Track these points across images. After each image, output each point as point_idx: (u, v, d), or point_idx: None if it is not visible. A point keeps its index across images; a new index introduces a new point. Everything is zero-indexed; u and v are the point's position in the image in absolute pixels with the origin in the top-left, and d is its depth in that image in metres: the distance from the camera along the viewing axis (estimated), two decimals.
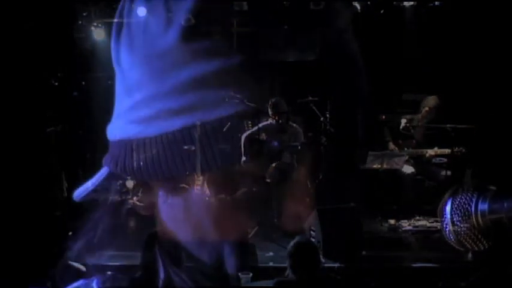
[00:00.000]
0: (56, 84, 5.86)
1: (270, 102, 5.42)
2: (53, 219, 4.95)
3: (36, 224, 4.90)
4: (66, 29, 5.75)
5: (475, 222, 0.82)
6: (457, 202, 0.82)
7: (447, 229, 0.81)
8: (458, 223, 0.81)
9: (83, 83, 6.38)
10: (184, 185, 4.95)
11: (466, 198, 0.82)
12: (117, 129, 0.99)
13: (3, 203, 4.98)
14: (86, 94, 6.27)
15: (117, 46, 1.02)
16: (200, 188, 5.01)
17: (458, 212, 0.82)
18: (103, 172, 1.10)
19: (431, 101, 6.04)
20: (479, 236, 0.84)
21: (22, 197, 5.02)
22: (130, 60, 0.97)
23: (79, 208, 4.68)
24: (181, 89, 0.88)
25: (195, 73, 0.85)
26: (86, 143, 6.06)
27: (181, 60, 0.89)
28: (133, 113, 0.92)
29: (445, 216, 0.80)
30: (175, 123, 0.91)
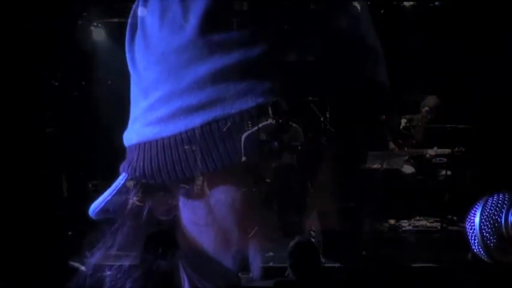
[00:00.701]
0: (56, 84, 5.87)
1: (269, 102, 5.44)
2: (53, 220, 4.95)
3: (36, 224, 4.90)
4: (66, 29, 5.76)
5: (505, 234, 0.81)
6: (486, 213, 0.81)
7: (476, 241, 0.81)
8: (487, 235, 0.81)
9: (83, 83, 6.39)
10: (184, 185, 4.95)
11: (495, 209, 0.81)
12: (134, 133, 0.98)
13: (2, 203, 4.98)
14: (86, 94, 6.29)
15: (131, 47, 1.01)
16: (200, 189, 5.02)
17: (487, 223, 0.82)
18: (121, 180, 1.07)
19: (431, 100, 6.05)
20: (510, 249, 0.83)
21: (22, 197, 5.02)
22: (146, 60, 0.96)
23: (79, 208, 4.68)
24: (200, 84, 0.88)
25: (214, 66, 0.84)
26: (86, 143, 6.08)
27: (199, 54, 0.88)
28: (150, 114, 0.91)
29: (473, 228, 0.80)
30: (194, 120, 0.90)
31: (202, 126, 0.84)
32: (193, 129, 0.84)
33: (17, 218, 4.98)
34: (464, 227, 0.91)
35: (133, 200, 0.91)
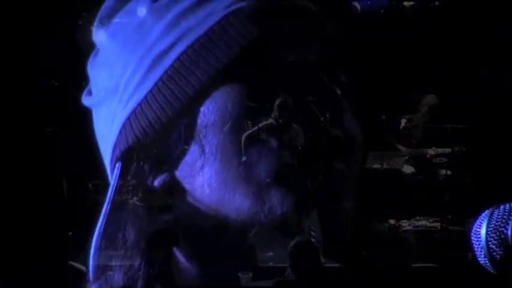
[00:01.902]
0: (56, 84, 5.87)
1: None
2: (53, 220, 4.95)
3: (36, 224, 4.90)
4: (66, 29, 5.75)
5: None
6: (493, 225, 0.80)
7: (482, 253, 0.80)
8: (493, 247, 0.80)
9: (83, 83, 6.39)
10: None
11: (502, 221, 0.81)
12: (117, 121, 0.94)
13: (1, 203, 4.98)
14: None
15: (92, 71, 0.97)
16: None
17: (493, 235, 0.81)
18: (116, 175, 1.03)
19: (430, 99, 6.06)
20: None
21: (21, 196, 5.02)
22: (105, 68, 0.94)
23: (79, 208, 4.68)
24: (166, 32, 0.86)
25: (174, 14, 0.84)
26: (86, 143, 6.06)
27: (157, 15, 0.86)
28: (125, 94, 0.87)
29: (479, 239, 0.79)
30: (170, 58, 0.88)
31: (179, 58, 0.84)
32: (172, 66, 0.84)
33: (17, 218, 4.98)
34: (470, 236, 0.91)
35: (133, 200, 0.90)
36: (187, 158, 0.89)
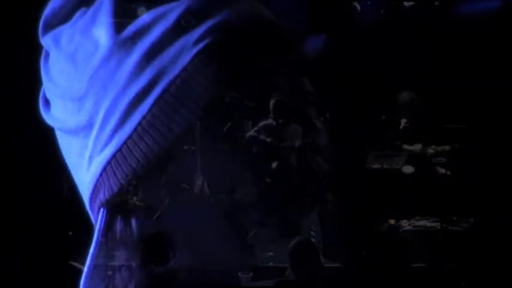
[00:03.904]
0: None
1: (270, 102, 5.46)
2: (53, 219, 4.95)
3: (36, 224, 4.89)
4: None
5: None
6: None
7: None
8: None
9: None
10: (184, 185, 4.95)
11: None
12: (95, 168, 0.93)
13: (2, 202, 4.98)
14: None
15: (47, 112, 0.95)
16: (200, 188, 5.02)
17: None
18: (101, 220, 1.02)
19: (402, 97, 6.00)
20: None
21: (22, 196, 5.02)
22: (73, 102, 0.92)
23: (79, 208, 4.68)
24: (137, 72, 0.85)
25: (143, 50, 0.83)
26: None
27: (124, 50, 0.86)
28: (102, 135, 0.87)
29: None
30: (147, 104, 0.88)
31: (157, 103, 0.84)
32: (150, 112, 0.84)
33: (17, 218, 4.97)
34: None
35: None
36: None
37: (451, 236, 5.44)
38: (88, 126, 0.78)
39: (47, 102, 0.98)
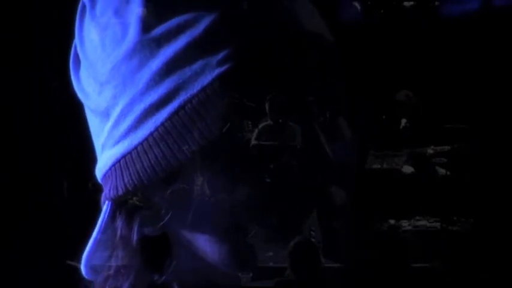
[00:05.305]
0: (56, 84, 5.87)
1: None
2: (53, 219, 4.96)
3: (36, 224, 4.90)
4: (66, 29, 5.75)
5: None
6: None
7: None
8: None
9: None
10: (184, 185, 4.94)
11: None
12: (105, 159, 0.94)
13: (2, 203, 4.98)
14: None
15: (76, 74, 0.97)
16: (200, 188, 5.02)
17: None
18: (105, 212, 1.03)
19: (398, 96, 6.02)
20: None
21: (22, 196, 5.02)
22: (98, 84, 0.92)
23: (79, 208, 4.68)
24: (158, 80, 0.86)
25: (166, 57, 0.83)
26: (86, 143, 6.07)
27: (148, 52, 0.86)
28: (117, 129, 0.87)
29: None
30: (162, 115, 0.88)
31: (171, 118, 0.83)
32: (163, 125, 0.83)
33: (17, 218, 4.98)
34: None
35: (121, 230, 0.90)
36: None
37: (451, 236, 5.45)
38: (105, 114, 0.79)
39: (77, 60, 0.96)
